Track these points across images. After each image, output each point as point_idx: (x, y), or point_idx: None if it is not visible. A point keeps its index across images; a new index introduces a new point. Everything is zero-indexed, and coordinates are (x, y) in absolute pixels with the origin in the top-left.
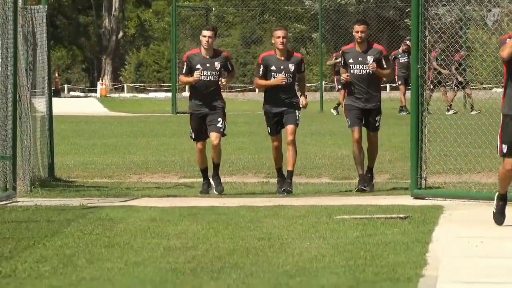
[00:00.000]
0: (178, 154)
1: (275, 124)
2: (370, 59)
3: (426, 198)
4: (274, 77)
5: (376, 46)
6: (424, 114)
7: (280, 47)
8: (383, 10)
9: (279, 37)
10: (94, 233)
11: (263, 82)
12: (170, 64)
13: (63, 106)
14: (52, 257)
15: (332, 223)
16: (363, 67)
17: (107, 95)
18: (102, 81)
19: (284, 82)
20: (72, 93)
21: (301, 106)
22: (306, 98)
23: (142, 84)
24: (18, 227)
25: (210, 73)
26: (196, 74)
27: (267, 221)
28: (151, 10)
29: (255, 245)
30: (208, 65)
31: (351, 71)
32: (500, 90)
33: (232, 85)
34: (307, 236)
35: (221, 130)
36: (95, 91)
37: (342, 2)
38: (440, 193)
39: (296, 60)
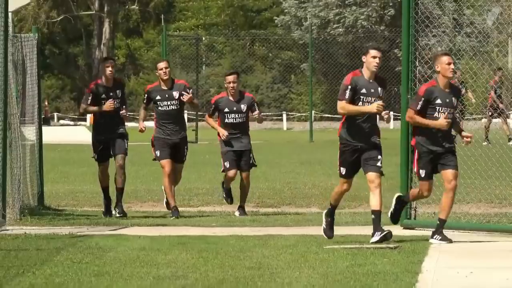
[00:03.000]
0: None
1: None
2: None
3: (416, 228)
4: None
5: None
6: None
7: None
8: (372, 40)
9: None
10: (83, 261)
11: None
12: None
13: (53, 134)
14: (41, 286)
15: (322, 252)
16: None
17: None
18: None
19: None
20: (61, 121)
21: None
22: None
23: (132, 113)
24: (8, 255)
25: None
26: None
27: (256, 251)
28: (141, 40)
29: (245, 275)
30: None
31: None
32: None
33: None
34: (296, 265)
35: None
36: (85, 120)
37: (332, 32)
38: (429, 223)
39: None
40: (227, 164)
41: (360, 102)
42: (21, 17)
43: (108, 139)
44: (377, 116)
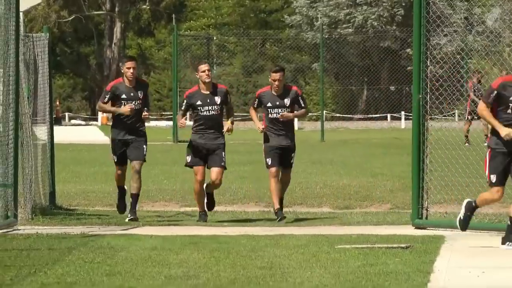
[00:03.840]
0: (179, 183)
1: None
2: None
3: (428, 228)
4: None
5: None
6: (425, 143)
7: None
8: (382, 40)
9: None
10: (95, 261)
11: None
12: (171, 93)
13: (64, 134)
14: (53, 285)
15: (334, 252)
16: None
17: (108, 124)
18: None
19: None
20: (73, 121)
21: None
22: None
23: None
24: (19, 255)
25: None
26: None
27: (268, 250)
28: (152, 39)
29: (257, 274)
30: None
31: None
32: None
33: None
34: (308, 265)
35: None
36: (96, 119)
37: (342, 32)
38: (441, 223)
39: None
40: (269, 161)
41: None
42: (32, 17)
43: (127, 140)
44: None
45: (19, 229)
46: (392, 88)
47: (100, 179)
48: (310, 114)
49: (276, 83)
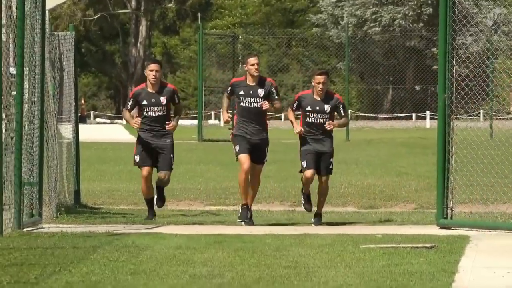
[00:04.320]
0: (204, 181)
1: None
2: None
3: (452, 228)
4: None
5: None
6: (451, 143)
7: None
8: (408, 39)
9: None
10: (120, 260)
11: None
12: (197, 92)
13: (89, 132)
14: (78, 284)
15: (358, 252)
16: None
17: None
18: None
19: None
20: (98, 119)
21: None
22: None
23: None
24: (44, 253)
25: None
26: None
27: (293, 250)
28: (177, 38)
29: (281, 274)
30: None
31: None
32: None
33: None
34: (333, 265)
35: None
36: (121, 118)
37: (369, 31)
38: (466, 223)
39: None
40: (304, 163)
41: None
42: (57, 15)
43: (153, 146)
44: None
45: (44, 228)
46: (417, 87)
47: (125, 177)
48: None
49: (320, 86)
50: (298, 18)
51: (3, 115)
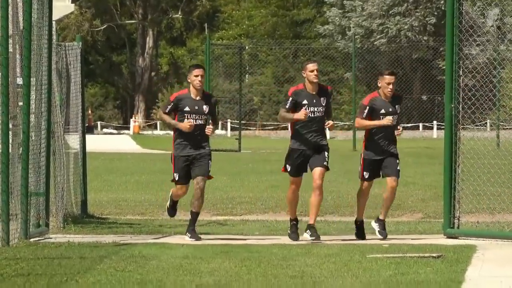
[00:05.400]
0: (211, 192)
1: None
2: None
3: (459, 238)
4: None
5: None
6: (457, 153)
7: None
8: (415, 50)
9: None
10: (126, 270)
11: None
12: None
13: (96, 143)
14: None
15: (365, 261)
16: None
17: (140, 132)
18: (135, 118)
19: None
20: (105, 130)
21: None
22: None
23: None
24: (51, 263)
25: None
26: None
27: (299, 259)
28: (184, 48)
29: (288, 283)
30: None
31: None
32: None
33: (265, 123)
34: (339, 274)
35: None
36: (128, 128)
37: (376, 42)
38: (473, 232)
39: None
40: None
41: None
42: (64, 26)
43: (190, 156)
44: None
45: (51, 238)
46: (424, 97)
47: (132, 188)
48: (342, 123)
49: (390, 87)
50: (304, 29)
51: (10, 126)
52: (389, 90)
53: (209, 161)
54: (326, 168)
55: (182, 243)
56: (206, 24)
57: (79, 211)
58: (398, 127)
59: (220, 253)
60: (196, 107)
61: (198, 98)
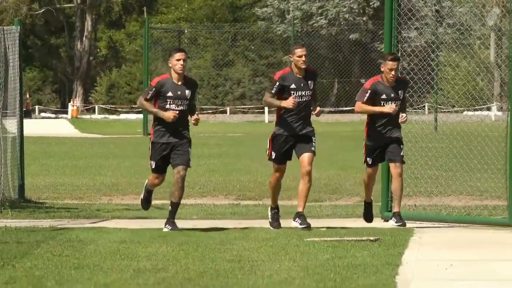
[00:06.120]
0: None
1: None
2: None
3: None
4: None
5: None
6: None
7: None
8: (354, 32)
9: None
10: (63, 254)
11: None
12: (142, 86)
13: (34, 127)
14: (21, 279)
15: (303, 245)
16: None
17: (78, 117)
18: (73, 103)
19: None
20: (43, 114)
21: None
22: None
23: (113, 106)
24: None
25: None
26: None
27: (237, 243)
28: (123, 32)
29: (225, 267)
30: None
31: None
32: (471, 113)
33: (204, 106)
34: (277, 258)
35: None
36: (66, 112)
37: (315, 25)
38: (410, 215)
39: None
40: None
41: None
42: (2, 9)
43: (170, 144)
44: None
45: None
46: (363, 81)
47: (70, 172)
48: None
49: (393, 73)
50: (244, 12)
51: None
52: (391, 76)
53: (189, 149)
54: (314, 154)
55: (119, 228)
56: (145, 8)
57: (16, 196)
58: (402, 114)
59: (158, 238)
60: (179, 92)
61: (180, 83)
